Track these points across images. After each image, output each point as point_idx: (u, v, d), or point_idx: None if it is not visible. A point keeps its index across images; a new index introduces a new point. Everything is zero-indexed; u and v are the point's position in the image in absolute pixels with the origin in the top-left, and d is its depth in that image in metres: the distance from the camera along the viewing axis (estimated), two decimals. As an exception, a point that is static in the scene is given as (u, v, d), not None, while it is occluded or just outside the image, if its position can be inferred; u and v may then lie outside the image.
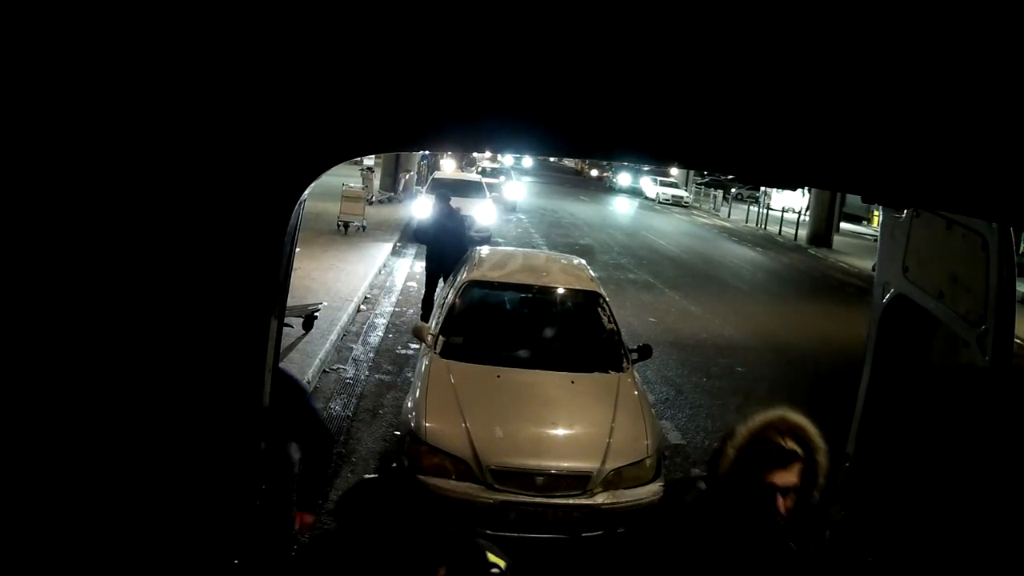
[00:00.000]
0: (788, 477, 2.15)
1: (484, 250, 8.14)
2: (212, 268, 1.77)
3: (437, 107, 1.77)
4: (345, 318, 9.60)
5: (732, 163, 1.95)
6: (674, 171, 37.95)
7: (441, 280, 9.14)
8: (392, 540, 4.92)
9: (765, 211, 30.92)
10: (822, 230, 25.52)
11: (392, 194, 23.54)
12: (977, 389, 2.76)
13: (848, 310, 13.69)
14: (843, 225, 29.92)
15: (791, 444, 2.17)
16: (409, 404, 5.40)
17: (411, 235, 15.98)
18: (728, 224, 30.60)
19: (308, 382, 7.28)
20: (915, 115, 1.77)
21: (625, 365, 5.92)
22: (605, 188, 42.65)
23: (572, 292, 6.70)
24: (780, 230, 27.99)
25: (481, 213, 17.26)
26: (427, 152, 23.11)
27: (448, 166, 26.17)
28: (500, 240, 17.42)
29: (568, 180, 45.21)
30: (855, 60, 1.73)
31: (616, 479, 4.84)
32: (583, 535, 4.77)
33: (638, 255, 18.72)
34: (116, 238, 1.72)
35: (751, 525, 2.14)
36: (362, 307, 10.68)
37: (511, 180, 28.31)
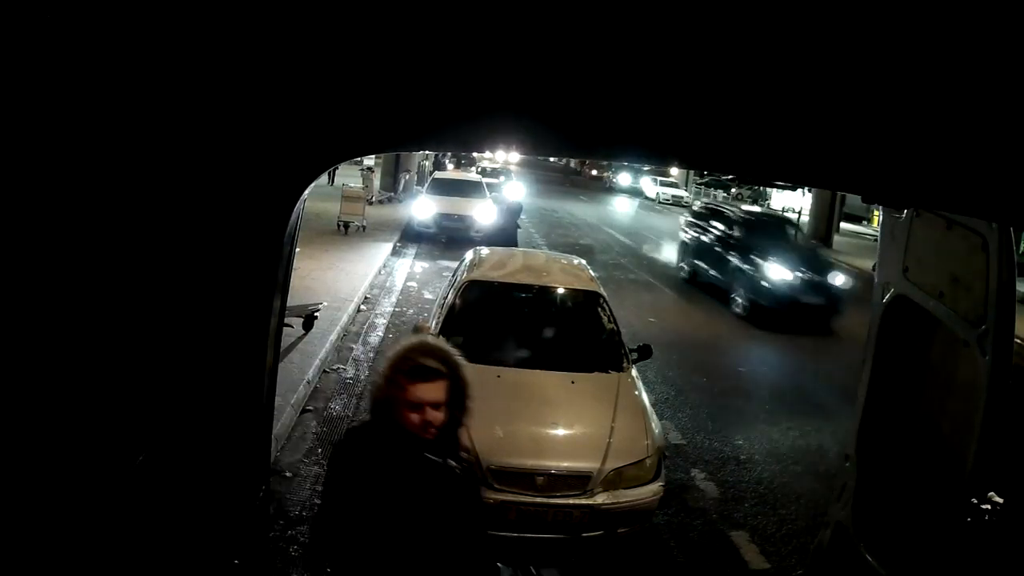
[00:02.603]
0: (434, 392, 2.32)
1: (484, 250, 8.13)
2: (212, 268, 1.77)
3: (437, 107, 1.77)
4: (345, 318, 9.60)
5: (732, 163, 1.95)
6: (674, 171, 37.94)
7: None
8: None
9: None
10: (822, 230, 25.52)
11: (392, 194, 23.55)
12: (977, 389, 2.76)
13: (848, 310, 13.68)
14: (843, 225, 29.91)
15: (433, 363, 2.35)
16: (409, 404, 5.40)
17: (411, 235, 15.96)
18: (728, 224, 30.55)
19: (308, 382, 7.28)
20: (915, 115, 1.77)
21: (625, 365, 5.92)
22: (605, 188, 42.65)
23: (572, 292, 6.69)
24: (780, 230, 27.95)
25: (481, 213, 17.26)
26: (427, 152, 23.04)
27: (448, 165, 26.15)
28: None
29: (567, 180, 45.19)
30: (855, 61, 1.73)
31: (616, 479, 4.83)
32: (583, 535, 4.77)
33: (638, 255, 18.72)
34: (117, 239, 1.72)
35: (405, 442, 2.30)
36: (362, 307, 10.68)
37: (511, 180, 28.33)
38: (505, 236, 14.49)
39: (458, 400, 2.41)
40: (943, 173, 1.85)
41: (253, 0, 1.70)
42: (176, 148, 1.72)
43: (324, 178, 16.51)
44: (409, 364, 2.33)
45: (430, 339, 2.49)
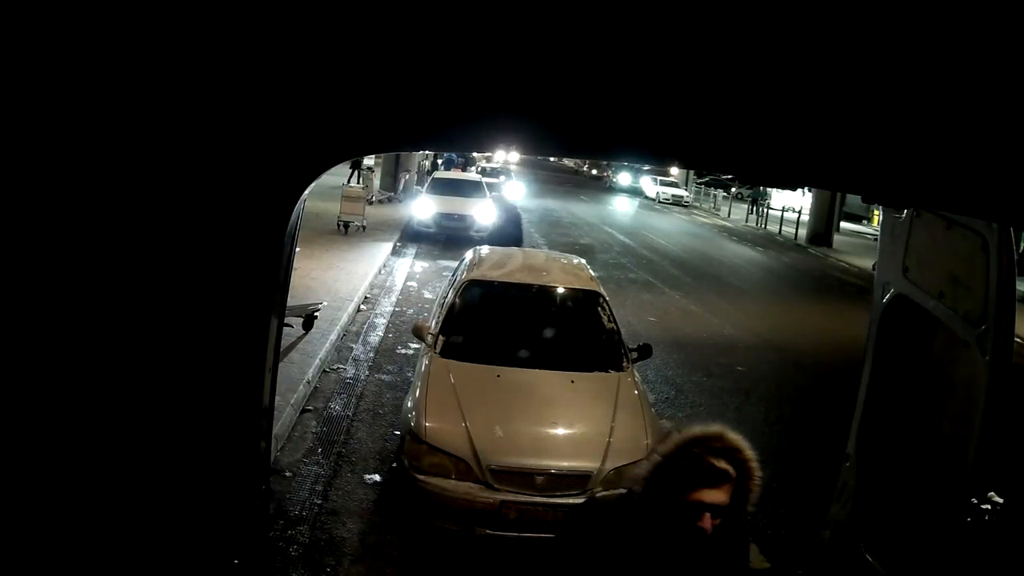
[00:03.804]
0: (717, 496, 2.10)
1: (484, 249, 8.13)
2: (213, 268, 1.77)
3: (436, 108, 1.77)
4: (345, 318, 9.60)
5: (732, 163, 1.95)
6: (674, 171, 37.93)
7: None
8: (393, 539, 4.93)
9: (766, 210, 30.96)
10: (822, 229, 25.52)
11: (392, 194, 23.55)
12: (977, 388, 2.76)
13: (848, 309, 13.72)
14: (843, 224, 29.93)
15: (723, 464, 2.11)
16: (409, 404, 5.40)
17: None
18: (728, 223, 30.60)
19: (308, 382, 7.27)
20: (915, 115, 1.77)
21: (625, 364, 5.92)
22: (605, 187, 42.62)
23: (572, 291, 6.69)
24: (780, 229, 28.00)
25: (481, 213, 17.26)
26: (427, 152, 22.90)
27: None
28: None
29: (567, 179, 45.17)
30: (855, 61, 1.73)
31: (616, 478, 4.83)
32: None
33: (638, 254, 18.71)
34: (117, 238, 1.72)
35: (675, 538, 2.11)
36: (362, 307, 10.68)
37: (511, 180, 28.35)
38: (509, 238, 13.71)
39: (740, 503, 2.17)
40: (943, 173, 1.85)
41: (254, 1, 1.70)
42: (177, 148, 1.72)
43: (343, 179, 15.99)
44: (694, 463, 2.09)
45: (729, 434, 2.18)
